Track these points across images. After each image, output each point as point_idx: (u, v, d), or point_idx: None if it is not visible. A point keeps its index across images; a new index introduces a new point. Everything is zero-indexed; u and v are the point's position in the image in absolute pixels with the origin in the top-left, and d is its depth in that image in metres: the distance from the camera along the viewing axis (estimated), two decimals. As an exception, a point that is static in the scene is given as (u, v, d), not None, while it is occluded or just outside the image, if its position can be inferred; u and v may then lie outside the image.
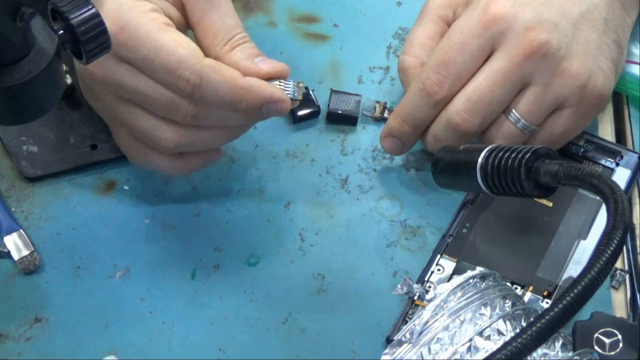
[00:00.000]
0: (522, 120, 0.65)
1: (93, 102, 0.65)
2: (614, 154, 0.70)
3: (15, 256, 0.65)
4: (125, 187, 0.69)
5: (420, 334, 0.56)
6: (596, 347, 0.55)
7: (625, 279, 0.66)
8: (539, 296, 0.64)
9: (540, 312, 0.50)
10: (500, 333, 0.55)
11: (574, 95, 0.64)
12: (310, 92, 0.73)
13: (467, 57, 0.64)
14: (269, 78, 0.63)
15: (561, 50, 0.63)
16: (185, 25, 0.64)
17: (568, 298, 0.47)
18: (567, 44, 0.63)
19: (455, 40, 0.64)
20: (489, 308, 0.56)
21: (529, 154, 0.57)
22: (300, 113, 0.72)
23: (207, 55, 0.61)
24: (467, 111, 0.64)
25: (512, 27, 0.63)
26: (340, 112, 0.73)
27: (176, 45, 0.60)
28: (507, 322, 0.56)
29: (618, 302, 0.65)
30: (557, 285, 0.65)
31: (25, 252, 0.66)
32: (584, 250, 0.66)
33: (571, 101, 0.65)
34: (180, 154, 0.65)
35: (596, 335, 0.56)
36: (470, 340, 0.55)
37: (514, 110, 0.65)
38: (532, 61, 0.63)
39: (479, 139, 0.67)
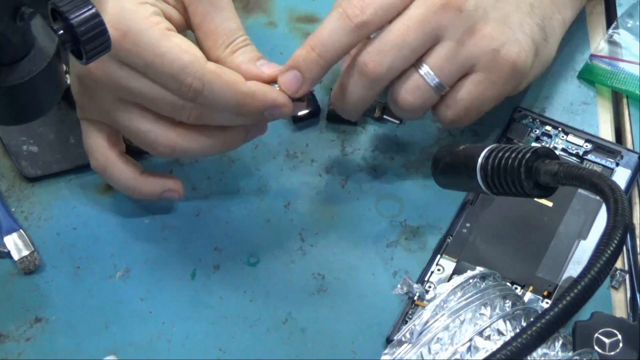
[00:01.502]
0: (432, 74, 0.63)
1: (85, 102, 0.65)
2: (614, 154, 0.70)
3: (15, 256, 0.65)
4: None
5: (420, 334, 0.56)
6: (596, 347, 0.55)
7: (625, 279, 0.66)
8: (539, 296, 0.64)
9: (540, 312, 0.50)
10: (500, 333, 0.55)
11: (486, 59, 0.64)
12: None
13: None
14: (271, 81, 0.63)
15: (478, 10, 0.63)
16: (186, 27, 0.64)
17: (568, 298, 0.47)
18: (486, 8, 0.63)
19: None
20: (489, 308, 0.56)
21: (529, 154, 0.57)
22: (300, 113, 0.72)
23: (208, 57, 0.62)
24: (377, 52, 0.63)
25: None
26: (340, 112, 0.73)
27: (179, 51, 0.60)
28: (507, 322, 0.56)
29: (618, 302, 0.65)
30: (557, 285, 0.65)
31: (25, 252, 0.66)
32: (584, 250, 0.66)
33: (482, 65, 0.64)
34: (145, 173, 0.66)
35: (596, 335, 0.56)
36: (470, 340, 0.55)
37: (424, 64, 0.63)
38: (448, 13, 0.62)
39: (389, 95, 0.65)
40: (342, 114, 0.68)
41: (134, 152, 0.67)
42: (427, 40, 0.63)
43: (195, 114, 0.62)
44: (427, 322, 0.56)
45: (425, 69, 0.64)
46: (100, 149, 0.65)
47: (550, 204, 0.68)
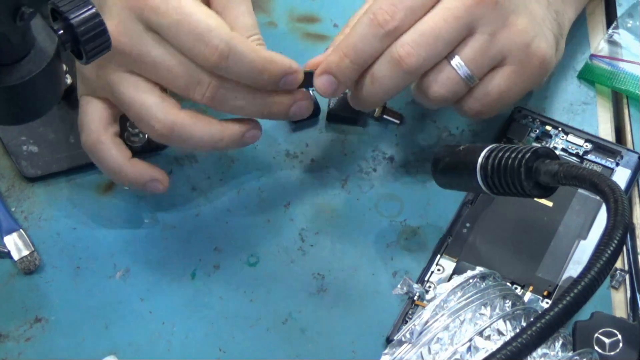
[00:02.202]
0: (464, 67, 0.63)
1: (93, 73, 0.64)
2: (614, 154, 0.70)
3: (15, 256, 0.65)
4: (126, 187, 0.69)
5: (420, 334, 0.56)
6: (596, 347, 0.55)
7: (625, 279, 0.66)
8: (539, 296, 0.64)
9: (540, 312, 0.50)
10: (500, 333, 0.55)
11: (518, 52, 0.64)
12: (311, 92, 0.73)
13: None
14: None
15: (511, 4, 0.63)
16: None
17: (568, 298, 0.47)
18: (517, 2, 0.64)
19: None
20: (489, 308, 0.56)
21: (529, 154, 0.57)
22: (300, 113, 0.72)
23: None
24: (412, 44, 0.62)
25: None
26: (340, 112, 0.73)
27: (207, 15, 0.61)
28: (507, 322, 0.56)
29: (618, 302, 0.65)
30: (557, 285, 0.65)
31: (25, 252, 0.66)
32: (584, 250, 0.66)
33: (514, 58, 0.64)
34: (134, 160, 0.65)
35: (596, 335, 0.56)
36: (470, 340, 0.55)
37: (457, 56, 0.63)
38: (483, 6, 0.62)
39: (417, 86, 0.65)
40: (362, 105, 0.66)
41: (135, 152, 0.67)
42: (462, 32, 0.63)
43: (210, 92, 0.62)
44: (427, 322, 0.56)
45: (457, 61, 0.63)
46: (94, 125, 0.65)
47: (550, 204, 0.68)
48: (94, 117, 0.65)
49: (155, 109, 0.62)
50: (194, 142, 0.64)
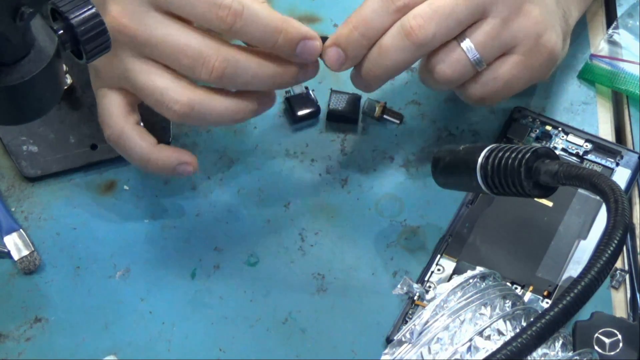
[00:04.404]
0: (474, 50, 0.63)
1: (105, 65, 0.64)
2: (614, 154, 0.70)
3: (15, 256, 0.65)
4: (125, 187, 0.69)
5: (420, 334, 0.56)
6: (596, 347, 0.55)
7: (625, 279, 0.66)
8: (539, 296, 0.64)
9: (540, 312, 0.50)
10: (500, 333, 0.55)
11: (528, 41, 0.64)
12: (310, 92, 0.73)
13: None
14: None
15: None
16: None
17: (568, 298, 0.47)
18: None
19: None
20: (489, 308, 0.56)
21: (529, 154, 0.57)
22: (300, 113, 0.72)
23: None
24: (424, 16, 0.62)
25: None
26: (340, 112, 0.73)
27: None
28: (507, 322, 0.56)
29: (618, 302, 0.65)
30: (557, 285, 0.65)
31: (25, 252, 0.66)
32: (584, 250, 0.66)
33: (523, 47, 0.64)
34: (160, 145, 0.65)
35: (596, 335, 0.56)
36: (470, 340, 0.55)
37: (467, 38, 0.63)
38: None
39: (424, 65, 0.65)
40: (366, 80, 0.65)
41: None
42: (475, 14, 0.63)
43: (217, 69, 0.60)
44: (427, 322, 0.56)
45: (467, 44, 0.63)
46: (115, 118, 0.64)
47: (550, 204, 0.68)
48: (113, 110, 0.64)
49: (171, 90, 0.62)
50: (215, 117, 0.63)
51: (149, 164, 0.65)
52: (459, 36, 0.63)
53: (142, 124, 0.66)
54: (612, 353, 0.55)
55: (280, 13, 0.60)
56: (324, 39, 0.64)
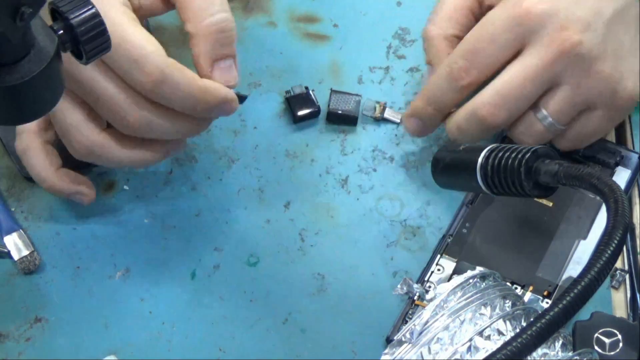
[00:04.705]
0: (550, 119, 0.64)
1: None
2: (614, 154, 0.70)
3: (15, 256, 0.65)
4: (125, 187, 0.69)
5: (420, 334, 0.56)
6: (596, 347, 0.55)
7: (625, 279, 0.66)
8: (539, 296, 0.64)
9: (540, 312, 0.50)
10: (500, 333, 0.55)
11: (605, 98, 0.64)
12: (310, 92, 0.73)
13: (495, 49, 0.64)
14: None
15: (593, 51, 0.62)
16: (161, 9, 0.64)
17: (568, 298, 0.47)
18: (600, 44, 0.62)
19: (486, 30, 0.64)
20: (489, 308, 0.56)
21: (529, 154, 0.57)
22: (300, 113, 0.72)
23: (185, 28, 0.62)
24: (494, 104, 0.64)
25: (544, 26, 0.62)
26: (340, 112, 0.73)
27: (143, 40, 0.59)
28: (507, 322, 0.56)
29: (618, 302, 0.65)
30: (557, 285, 0.65)
31: (25, 252, 0.66)
32: (584, 250, 0.66)
33: (601, 103, 0.64)
34: (62, 170, 0.65)
35: (596, 335, 0.56)
36: (470, 340, 0.55)
37: (543, 109, 0.64)
38: (564, 61, 0.62)
39: (505, 136, 0.68)
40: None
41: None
42: (543, 88, 0.64)
43: (134, 123, 0.61)
44: (427, 322, 0.56)
45: (543, 114, 0.64)
46: (27, 132, 0.65)
47: (550, 204, 0.68)
48: (26, 124, 0.65)
49: (77, 130, 0.62)
50: (115, 162, 0.64)
51: (44, 185, 0.66)
52: (535, 107, 0.65)
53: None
54: (612, 353, 0.55)
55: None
56: (241, 98, 0.64)
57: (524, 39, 0.63)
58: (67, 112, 0.62)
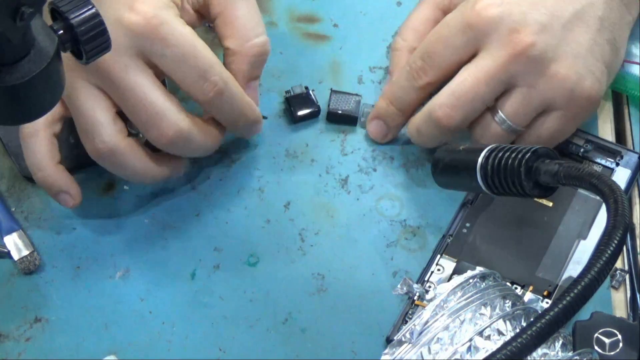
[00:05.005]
0: (508, 121, 0.65)
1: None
2: (614, 154, 0.70)
3: (15, 256, 0.65)
4: (125, 187, 0.69)
5: (420, 334, 0.56)
6: (596, 347, 0.56)
7: (625, 279, 0.66)
8: (539, 296, 0.64)
9: (540, 312, 0.50)
10: (500, 333, 0.55)
11: (562, 99, 0.64)
12: (310, 92, 0.73)
13: (450, 51, 0.65)
14: None
15: (548, 52, 0.63)
16: (198, 23, 0.66)
17: (568, 298, 0.47)
18: (555, 45, 0.63)
19: (441, 33, 0.66)
20: (489, 308, 0.56)
21: (529, 154, 0.57)
22: (300, 113, 0.72)
23: (223, 43, 0.65)
24: (449, 106, 0.65)
25: (496, 29, 0.63)
26: (340, 112, 0.73)
27: (207, 51, 0.62)
28: (507, 322, 0.56)
29: (618, 302, 0.65)
30: (557, 285, 0.65)
31: (25, 252, 0.66)
32: (584, 250, 0.66)
33: (559, 104, 0.64)
34: (60, 167, 0.65)
35: (596, 335, 0.56)
36: (470, 340, 0.55)
37: (500, 111, 0.65)
38: (517, 63, 0.63)
39: (465, 139, 0.67)
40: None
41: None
42: (498, 90, 0.64)
43: (169, 135, 0.62)
44: (427, 322, 0.56)
45: (500, 117, 0.65)
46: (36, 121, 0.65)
47: (550, 204, 0.68)
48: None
49: (104, 128, 0.62)
50: (126, 172, 0.65)
51: (39, 174, 0.65)
52: (492, 109, 0.65)
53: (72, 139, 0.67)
54: (612, 353, 0.55)
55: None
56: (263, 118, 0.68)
57: (477, 42, 0.64)
58: (98, 110, 0.62)
